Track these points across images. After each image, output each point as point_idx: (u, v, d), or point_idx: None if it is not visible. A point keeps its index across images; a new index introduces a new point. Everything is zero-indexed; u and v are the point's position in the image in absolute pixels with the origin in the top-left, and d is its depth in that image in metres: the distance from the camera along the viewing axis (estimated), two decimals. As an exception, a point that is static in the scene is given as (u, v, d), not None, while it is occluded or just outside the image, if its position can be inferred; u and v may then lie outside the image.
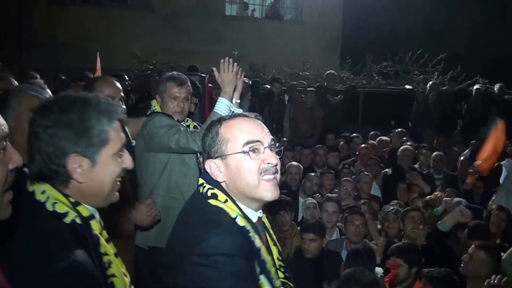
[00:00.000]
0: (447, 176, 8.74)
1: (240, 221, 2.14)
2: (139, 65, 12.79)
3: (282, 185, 7.64)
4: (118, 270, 1.97)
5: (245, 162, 2.19)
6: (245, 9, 19.62)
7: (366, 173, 8.20)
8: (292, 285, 2.49)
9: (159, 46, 14.88)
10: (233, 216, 2.14)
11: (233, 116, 2.36)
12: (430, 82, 12.43)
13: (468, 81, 13.33)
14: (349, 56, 14.16)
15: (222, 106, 4.18)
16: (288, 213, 5.85)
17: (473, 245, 4.80)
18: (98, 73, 7.54)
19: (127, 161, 2.03)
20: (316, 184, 7.68)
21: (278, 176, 2.25)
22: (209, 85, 8.50)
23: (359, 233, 5.73)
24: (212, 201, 2.17)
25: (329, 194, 7.16)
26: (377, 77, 13.72)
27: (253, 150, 2.20)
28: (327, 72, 12.29)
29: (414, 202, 6.92)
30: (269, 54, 15.57)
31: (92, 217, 1.93)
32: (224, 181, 2.23)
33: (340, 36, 18.91)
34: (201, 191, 2.23)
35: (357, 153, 9.63)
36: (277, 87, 11.46)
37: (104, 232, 2.01)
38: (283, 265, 2.47)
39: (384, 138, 10.36)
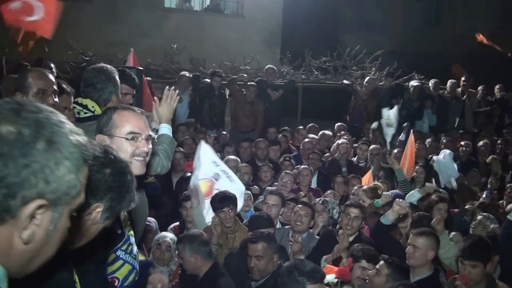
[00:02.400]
0: (385, 169, 8.95)
1: None
2: (75, 57, 12.44)
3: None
4: None
5: (125, 145, 3.00)
6: (185, 2, 19.45)
7: (305, 166, 8.31)
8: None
9: (96, 38, 14.51)
10: None
11: (126, 108, 3.17)
12: (367, 78, 12.70)
13: (404, 77, 13.67)
14: (289, 51, 14.25)
15: (166, 129, 4.25)
16: (232, 209, 5.86)
17: (411, 235, 4.98)
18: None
19: None
20: (247, 174, 7.74)
21: (147, 159, 3.11)
22: (146, 78, 8.45)
23: (303, 222, 5.86)
24: None
25: (270, 187, 7.26)
26: (316, 72, 13.86)
27: (133, 138, 3.02)
28: (267, 66, 12.34)
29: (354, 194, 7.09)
30: (209, 47, 15.50)
31: None
32: None
33: (281, 30, 19.02)
34: None
35: (300, 147, 9.76)
36: (217, 81, 11.40)
37: None
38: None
39: (327, 132, 10.51)
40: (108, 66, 4.41)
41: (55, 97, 4.12)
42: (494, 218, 6.15)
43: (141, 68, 7.83)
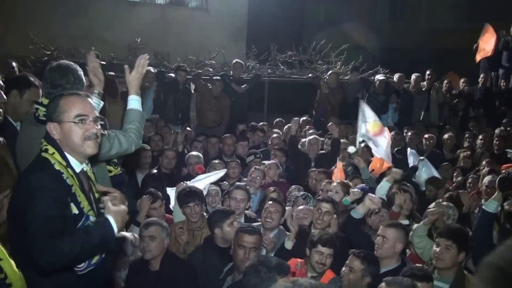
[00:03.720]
0: (353, 164, 8.97)
1: (57, 166, 3.09)
2: (36, 51, 12.13)
3: (187, 176, 7.58)
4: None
5: (74, 129, 3.14)
6: (149, -5, 19.20)
7: (273, 161, 8.30)
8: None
9: (58, 32, 14.20)
10: (52, 162, 3.09)
11: (71, 93, 3.29)
12: (330, 72, 12.70)
13: (370, 71, 13.72)
14: (255, 45, 14.18)
15: (136, 103, 4.25)
16: (198, 204, 5.78)
17: (381, 226, 5.04)
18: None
19: None
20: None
21: (98, 140, 3.26)
22: (110, 73, 8.31)
23: (273, 219, 5.78)
24: (43, 154, 3.13)
25: (238, 183, 7.21)
26: (282, 67, 13.82)
27: (81, 121, 3.16)
28: (234, 61, 12.25)
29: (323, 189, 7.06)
30: (173, 42, 15.33)
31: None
32: (59, 139, 3.15)
33: (246, 24, 18.93)
34: (40, 146, 3.17)
35: (269, 142, 9.73)
36: (182, 76, 11.26)
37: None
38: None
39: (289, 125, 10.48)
40: (73, 63, 4.28)
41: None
42: (455, 207, 6.28)
43: (104, 63, 7.75)
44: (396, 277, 3.98)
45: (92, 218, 3.20)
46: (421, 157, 8.58)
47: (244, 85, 11.87)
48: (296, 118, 9.76)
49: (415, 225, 5.49)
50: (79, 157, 3.22)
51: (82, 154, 3.22)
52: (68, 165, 3.16)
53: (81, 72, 4.20)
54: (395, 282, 3.84)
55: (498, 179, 5.27)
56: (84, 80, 4.22)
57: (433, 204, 5.70)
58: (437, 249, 4.68)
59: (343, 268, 4.63)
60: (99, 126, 3.25)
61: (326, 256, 4.74)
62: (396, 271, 4.72)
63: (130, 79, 4.21)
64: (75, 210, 3.10)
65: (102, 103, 4.36)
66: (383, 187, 6.72)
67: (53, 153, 3.13)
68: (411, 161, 8.67)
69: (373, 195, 5.40)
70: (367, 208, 5.30)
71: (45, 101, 3.98)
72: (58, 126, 3.15)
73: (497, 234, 5.61)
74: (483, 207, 5.32)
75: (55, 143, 3.16)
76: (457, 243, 4.61)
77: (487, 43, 13.85)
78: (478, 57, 14.11)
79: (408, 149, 8.67)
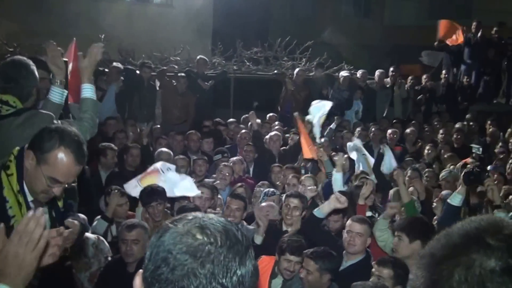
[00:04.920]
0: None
1: (5, 193, 2.89)
2: (-1, 47, 11.91)
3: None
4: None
5: (41, 182, 2.84)
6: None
7: (239, 157, 8.31)
8: None
9: (21, 28, 13.95)
10: (3, 186, 2.89)
11: (70, 150, 2.84)
12: (297, 69, 12.78)
13: (334, 67, 13.83)
14: (220, 42, 14.15)
15: (89, 91, 4.15)
16: (160, 204, 5.75)
17: (351, 222, 5.10)
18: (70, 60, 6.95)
19: None
20: (183, 167, 7.64)
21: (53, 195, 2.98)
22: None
23: (236, 216, 5.81)
24: (2, 172, 2.91)
25: (206, 179, 7.23)
26: (248, 63, 13.83)
27: (52, 183, 2.84)
28: (198, 57, 12.20)
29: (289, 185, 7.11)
30: (138, 38, 15.16)
31: None
32: (27, 168, 2.87)
33: (211, 21, 18.86)
34: (6, 158, 2.97)
35: (238, 137, 9.72)
36: (146, 73, 11.17)
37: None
38: None
39: (258, 121, 10.50)
40: (25, 58, 4.23)
41: None
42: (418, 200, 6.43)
43: (67, 60, 7.61)
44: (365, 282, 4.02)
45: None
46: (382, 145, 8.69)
47: (210, 81, 11.85)
48: (252, 112, 9.83)
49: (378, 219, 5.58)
50: (34, 195, 3.00)
51: (35, 196, 3.01)
52: (22, 191, 2.95)
53: (34, 67, 4.14)
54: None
55: (463, 173, 5.36)
56: (37, 75, 4.16)
57: (392, 191, 5.79)
58: (398, 246, 4.76)
59: (301, 271, 4.63)
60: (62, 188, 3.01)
61: (294, 264, 4.68)
62: (362, 262, 4.90)
63: (83, 66, 4.12)
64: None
65: (65, 91, 4.31)
66: (337, 179, 6.76)
67: (11, 174, 2.92)
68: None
69: (339, 194, 5.36)
70: (333, 207, 5.22)
71: (0, 96, 3.92)
72: (35, 161, 2.86)
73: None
74: (448, 200, 5.40)
75: (21, 166, 2.92)
76: (406, 233, 4.67)
77: (453, 35, 14.04)
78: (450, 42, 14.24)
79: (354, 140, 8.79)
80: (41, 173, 2.83)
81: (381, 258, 4.51)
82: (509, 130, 11.38)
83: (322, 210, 5.24)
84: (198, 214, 1.47)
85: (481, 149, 5.86)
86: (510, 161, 8.85)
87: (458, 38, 13.82)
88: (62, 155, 2.82)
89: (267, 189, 6.83)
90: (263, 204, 6.26)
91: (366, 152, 8.55)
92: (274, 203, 6.26)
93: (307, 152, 8.10)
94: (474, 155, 7.25)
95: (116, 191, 6.11)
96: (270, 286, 4.79)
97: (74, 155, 2.86)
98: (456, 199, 5.25)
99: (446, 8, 20.62)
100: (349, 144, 8.60)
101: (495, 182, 5.85)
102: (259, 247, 5.19)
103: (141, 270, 1.45)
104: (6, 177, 2.93)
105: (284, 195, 6.23)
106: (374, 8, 23.72)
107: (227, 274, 1.36)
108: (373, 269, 4.35)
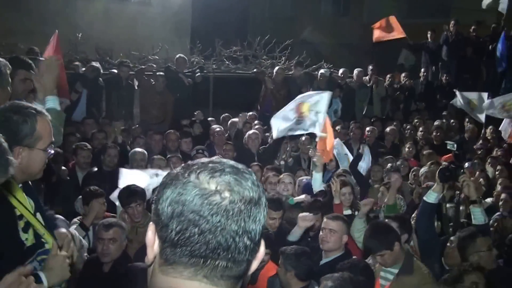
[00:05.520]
0: (295, 157, 9.04)
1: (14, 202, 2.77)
2: (-27, 48, 11.70)
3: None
4: None
5: (42, 158, 2.87)
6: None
7: (216, 156, 8.23)
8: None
9: (-4, 26, 13.76)
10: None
11: (43, 114, 2.90)
12: (276, 68, 12.75)
13: (313, 66, 13.82)
14: (199, 40, 14.06)
15: (53, 102, 4.17)
16: (140, 204, 5.69)
17: (325, 219, 5.15)
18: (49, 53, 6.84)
19: None
20: (160, 167, 7.55)
21: None
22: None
23: None
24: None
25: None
26: (227, 62, 13.76)
27: (50, 147, 2.91)
28: (177, 56, 12.11)
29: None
30: (116, 36, 15.01)
31: None
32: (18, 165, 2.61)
33: (190, 19, 18.74)
34: None
35: (215, 135, 9.66)
36: (124, 72, 11.06)
37: None
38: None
39: (235, 120, 10.46)
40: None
41: None
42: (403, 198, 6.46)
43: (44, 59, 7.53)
44: (333, 274, 4.05)
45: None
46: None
47: (188, 80, 11.78)
48: (242, 114, 9.82)
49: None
50: (21, 180, 2.91)
51: (31, 179, 2.99)
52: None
53: (3, 68, 4.02)
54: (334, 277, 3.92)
55: (438, 171, 5.37)
56: (6, 75, 3.96)
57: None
58: (379, 260, 4.76)
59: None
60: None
61: (278, 219, 4.94)
62: (341, 258, 4.93)
63: (41, 82, 4.11)
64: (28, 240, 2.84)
65: (55, 98, 4.23)
66: (316, 179, 6.74)
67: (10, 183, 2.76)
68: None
69: (304, 214, 5.39)
70: (304, 227, 5.30)
71: None
72: (28, 151, 2.80)
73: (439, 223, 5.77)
74: (424, 198, 5.41)
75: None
76: (386, 246, 4.66)
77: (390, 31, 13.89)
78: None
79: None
80: (39, 152, 2.84)
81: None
82: (490, 127, 11.47)
83: (294, 234, 5.31)
84: (207, 160, 1.45)
85: (455, 145, 5.88)
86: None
87: (395, 30, 13.55)
88: (42, 121, 2.86)
89: None
90: None
91: (347, 151, 8.59)
92: None
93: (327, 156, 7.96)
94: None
95: (99, 199, 5.84)
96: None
97: (45, 115, 2.94)
98: (431, 197, 5.25)
99: (424, 6, 20.77)
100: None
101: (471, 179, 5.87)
102: None
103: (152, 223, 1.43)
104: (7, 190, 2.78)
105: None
106: (353, 6, 23.76)
107: (255, 225, 1.37)
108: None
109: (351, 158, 8.44)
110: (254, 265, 1.43)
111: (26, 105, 2.91)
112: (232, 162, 1.43)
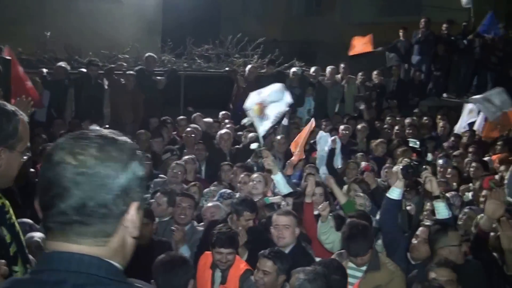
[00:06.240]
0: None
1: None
2: None
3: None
4: None
5: (18, 161, 2.64)
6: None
7: (190, 156, 8.19)
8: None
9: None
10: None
11: (23, 115, 2.68)
12: (249, 66, 12.68)
13: (286, 64, 13.79)
14: (170, 39, 13.92)
15: None
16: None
17: (275, 216, 5.30)
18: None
19: None
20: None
21: None
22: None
23: (186, 215, 5.87)
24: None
25: (155, 180, 7.14)
26: (198, 60, 13.65)
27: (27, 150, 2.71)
28: (147, 54, 11.99)
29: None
30: (85, 35, 14.76)
31: None
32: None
33: (161, 17, 18.55)
34: None
35: (184, 136, 9.56)
36: (93, 71, 10.90)
37: None
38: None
39: (207, 120, 10.37)
40: None
41: None
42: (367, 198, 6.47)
43: (9, 58, 7.52)
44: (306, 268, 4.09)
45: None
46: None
47: (160, 78, 11.67)
48: (198, 114, 9.78)
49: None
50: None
51: (7, 184, 2.79)
52: None
53: None
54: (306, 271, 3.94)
55: (401, 168, 5.37)
56: None
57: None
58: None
59: (256, 272, 4.62)
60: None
61: (226, 255, 4.76)
62: (296, 248, 5.14)
63: None
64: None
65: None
66: (277, 181, 6.68)
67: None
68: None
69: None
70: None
71: None
72: (7, 152, 2.61)
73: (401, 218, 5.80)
74: (387, 194, 5.41)
75: None
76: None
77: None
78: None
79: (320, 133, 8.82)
80: (18, 154, 2.63)
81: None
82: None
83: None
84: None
85: (418, 143, 5.95)
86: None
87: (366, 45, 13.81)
88: (24, 123, 2.65)
89: (224, 190, 6.74)
90: (209, 204, 6.25)
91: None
92: (220, 204, 6.20)
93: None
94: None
95: None
96: (213, 278, 4.87)
97: (24, 116, 2.72)
98: (394, 193, 5.25)
99: (396, 5, 20.91)
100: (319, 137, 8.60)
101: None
102: None
103: None
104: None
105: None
106: (325, 5, 23.82)
107: (101, 191, 1.45)
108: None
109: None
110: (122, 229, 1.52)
111: (7, 105, 2.73)
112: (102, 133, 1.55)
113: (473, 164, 8.68)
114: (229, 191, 6.72)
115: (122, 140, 1.56)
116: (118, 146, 1.53)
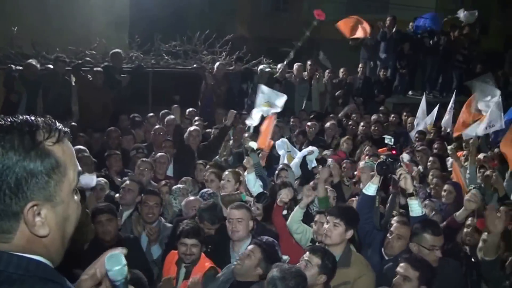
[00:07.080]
0: (236, 155, 9.06)
1: None
2: None
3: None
4: None
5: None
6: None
7: (161, 153, 8.17)
8: None
9: None
10: None
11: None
12: (217, 63, 12.72)
13: (253, 61, 13.87)
14: (138, 35, 13.85)
15: None
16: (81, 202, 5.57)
17: (229, 210, 5.38)
18: None
19: None
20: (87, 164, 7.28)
21: None
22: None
23: (154, 213, 5.89)
24: None
25: (125, 178, 7.13)
26: (166, 57, 13.60)
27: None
28: (113, 51, 11.90)
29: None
30: (53, 31, 14.59)
31: None
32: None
33: (128, 13, 18.41)
34: None
35: (152, 133, 9.54)
36: (61, 67, 10.78)
37: None
38: None
39: (172, 117, 10.35)
40: None
41: None
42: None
43: None
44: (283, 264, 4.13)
45: None
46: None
47: (125, 75, 11.61)
48: (175, 106, 9.73)
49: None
50: None
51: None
52: None
53: None
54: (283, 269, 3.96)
55: (376, 164, 5.51)
56: None
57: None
58: (326, 226, 4.87)
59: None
60: None
61: (190, 247, 4.84)
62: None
63: None
64: None
65: None
66: (249, 179, 6.78)
67: None
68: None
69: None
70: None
71: None
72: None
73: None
74: (363, 190, 5.56)
75: None
76: (345, 220, 4.83)
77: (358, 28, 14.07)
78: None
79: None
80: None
81: (313, 246, 4.68)
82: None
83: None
84: None
85: (393, 139, 6.06)
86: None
87: (365, 29, 13.76)
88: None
89: (205, 190, 6.73)
90: (190, 198, 6.28)
91: (292, 149, 8.72)
92: (201, 199, 6.28)
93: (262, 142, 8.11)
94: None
95: None
96: (178, 275, 4.93)
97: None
98: (370, 189, 5.39)
99: (363, 3, 21.15)
100: (277, 142, 8.72)
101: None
102: None
103: None
104: None
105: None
106: (292, 2, 23.95)
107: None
108: (305, 256, 4.40)
109: (297, 153, 8.54)
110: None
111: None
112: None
113: (430, 158, 8.89)
114: (210, 191, 6.70)
115: (10, 128, 1.45)
116: (5, 137, 1.43)
